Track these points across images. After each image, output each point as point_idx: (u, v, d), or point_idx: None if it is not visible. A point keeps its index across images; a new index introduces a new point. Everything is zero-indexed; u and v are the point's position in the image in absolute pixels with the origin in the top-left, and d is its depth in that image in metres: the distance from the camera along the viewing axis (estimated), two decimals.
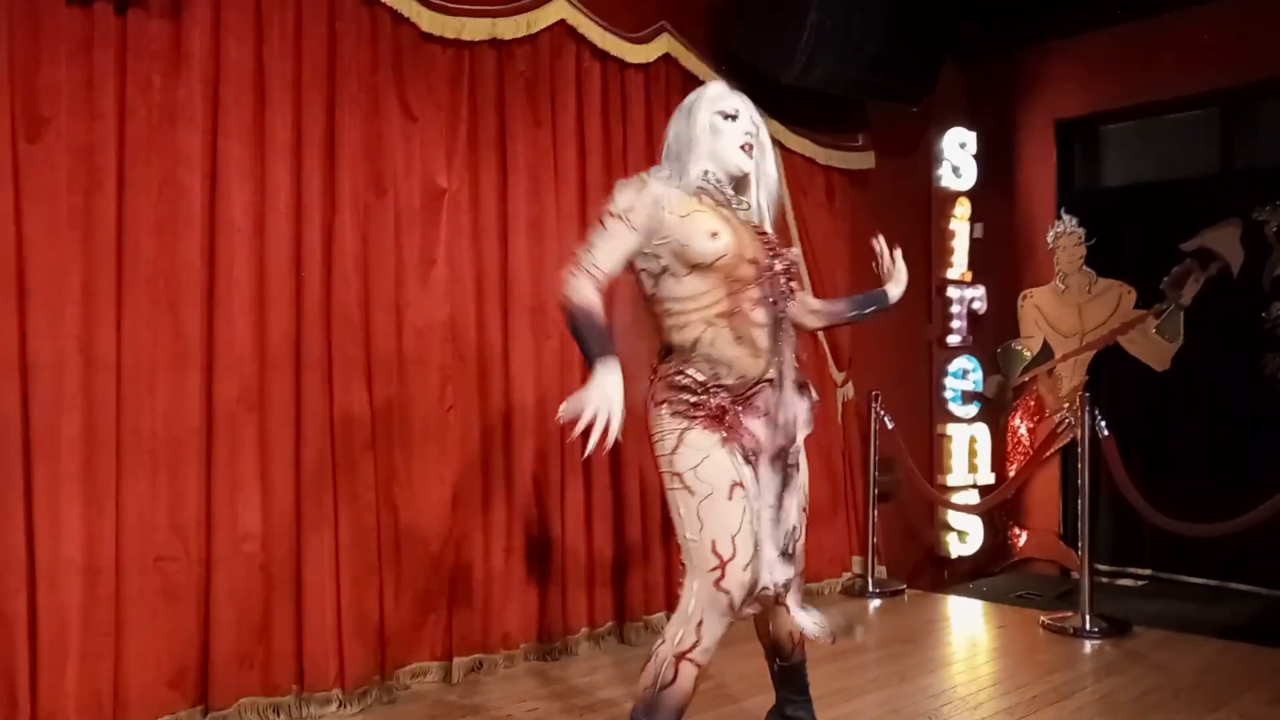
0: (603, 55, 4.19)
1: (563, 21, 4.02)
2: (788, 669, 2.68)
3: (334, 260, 3.40)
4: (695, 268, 2.32)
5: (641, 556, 4.21)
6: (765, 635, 2.66)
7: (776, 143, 4.89)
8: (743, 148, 2.46)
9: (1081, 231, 5.73)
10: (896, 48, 4.76)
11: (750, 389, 2.34)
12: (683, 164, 2.43)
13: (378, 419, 3.48)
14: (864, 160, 5.37)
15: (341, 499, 3.37)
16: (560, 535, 3.96)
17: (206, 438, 3.13)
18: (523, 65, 3.94)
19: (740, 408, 2.34)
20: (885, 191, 5.50)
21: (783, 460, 2.38)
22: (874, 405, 5.21)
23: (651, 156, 4.32)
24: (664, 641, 2.29)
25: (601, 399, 2.13)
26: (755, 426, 2.34)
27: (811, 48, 4.48)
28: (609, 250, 2.34)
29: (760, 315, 2.35)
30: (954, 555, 5.77)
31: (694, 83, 4.44)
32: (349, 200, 3.44)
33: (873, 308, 2.77)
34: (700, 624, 2.25)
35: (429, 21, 3.65)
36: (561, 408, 2.16)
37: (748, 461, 2.32)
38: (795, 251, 2.72)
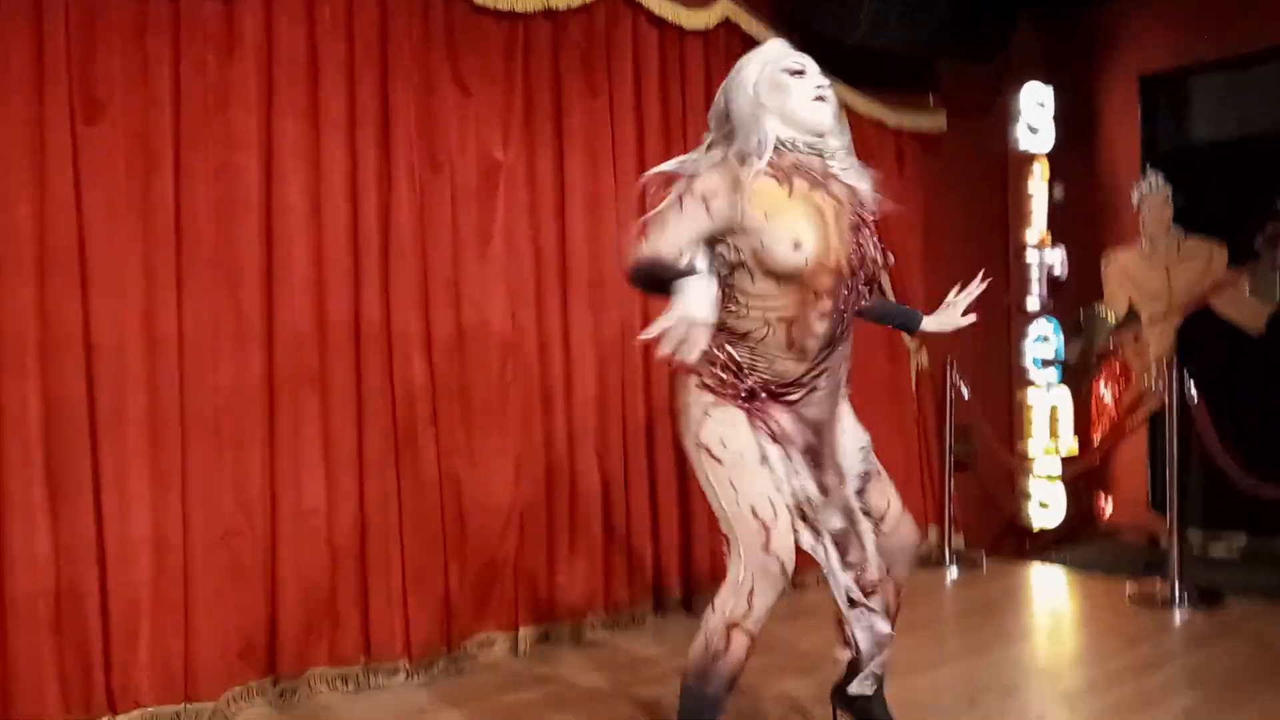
0: (660, 22, 4.11)
1: None
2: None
3: (391, 238, 3.42)
4: (770, 272, 2.19)
5: (707, 526, 4.16)
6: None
7: (844, 106, 4.77)
8: (816, 100, 2.25)
9: (1169, 190, 5.45)
10: (965, 4, 4.58)
11: (784, 385, 2.26)
12: (747, 135, 2.23)
13: (439, 394, 3.50)
14: (935, 121, 5.20)
15: (404, 473, 3.41)
16: (624, 506, 3.94)
17: (269, 415, 3.18)
18: (578, 35, 3.89)
19: (768, 396, 2.26)
20: (958, 155, 5.32)
21: (817, 456, 2.28)
22: (950, 373, 5.06)
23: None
24: (714, 611, 2.24)
25: (683, 310, 2.02)
26: (781, 417, 2.26)
27: (878, 6, 4.34)
28: (679, 234, 2.23)
29: (821, 327, 2.21)
30: (1036, 526, 5.59)
31: (755, 47, 4.38)
32: (405, 177, 3.45)
33: (894, 323, 2.68)
34: (751, 592, 2.19)
35: None
36: (645, 331, 2.10)
37: (775, 443, 2.25)
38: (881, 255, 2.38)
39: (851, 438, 2.39)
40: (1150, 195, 5.50)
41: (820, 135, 2.27)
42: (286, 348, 3.21)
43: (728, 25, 4.33)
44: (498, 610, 3.63)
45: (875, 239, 2.28)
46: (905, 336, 5.05)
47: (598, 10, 3.93)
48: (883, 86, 4.92)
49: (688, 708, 2.26)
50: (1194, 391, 4.30)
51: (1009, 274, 5.62)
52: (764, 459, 2.23)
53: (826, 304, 2.21)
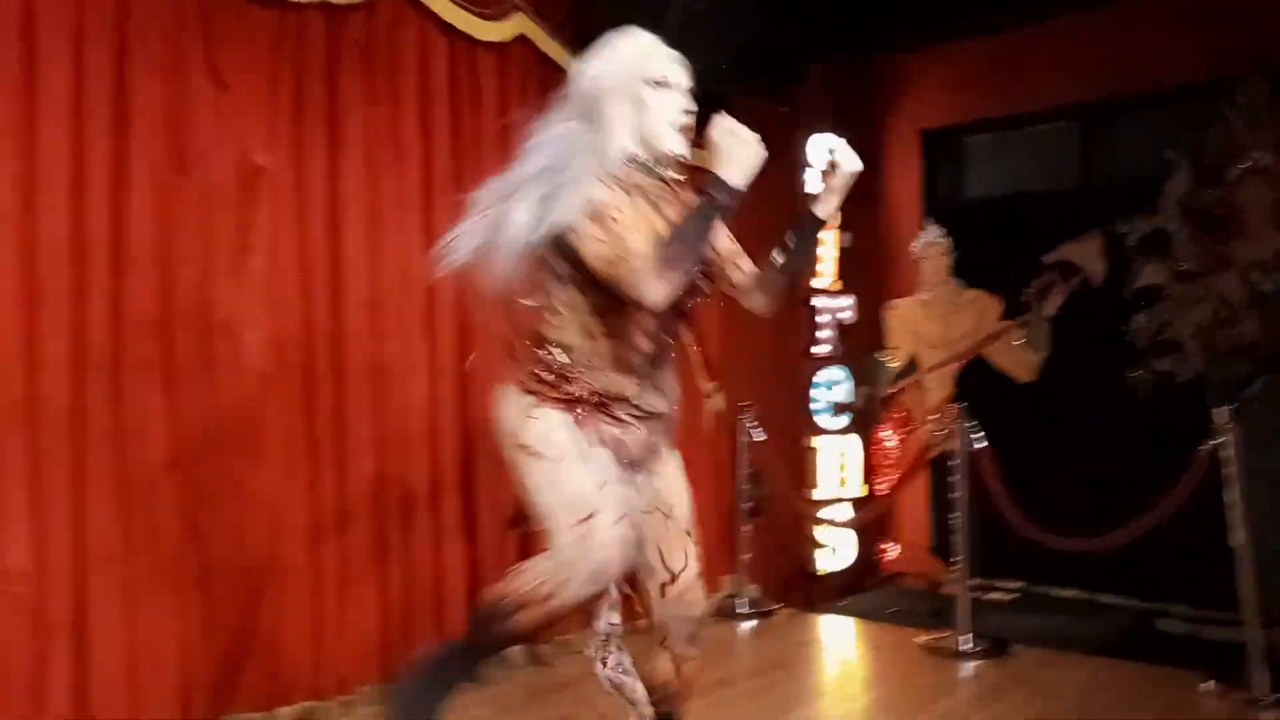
0: (449, 29, 3.77)
1: None
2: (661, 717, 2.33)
3: (126, 246, 2.90)
4: (599, 287, 2.03)
5: (499, 578, 3.78)
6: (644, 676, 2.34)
7: None
8: (677, 127, 2.11)
9: (947, 242, 5.63)
10: (762, 45, 4.54)
11: (612, 398, 2.10)
12: (605, 138, 2.07)
13: (181, 433, 2.97)
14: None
15: (135, 527, 2.85)
16: (404, 559, 3.51)
17: None
18: (357, 34, 3.50)
19: (594, 407, 2.09)
20: (751, 195, 5.23)
21: (639, 474, 2.17)
22: (742, 418, 4.95)
23: (506, 144, 3.93)
24: (522, 576, 2.05)
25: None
26: (606, 428, 2.09)
27: (676, 36, 4.18)
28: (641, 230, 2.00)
29: (645, 344, 2.11)
30: (824, 571, 5.55)
31: (552, 67, 4.13)
32: (146, 177, 2.95)
33: (808, 232, 2.25)
34: (562, 583, 2.00)
35: None
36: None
37: (602, 445, 2.09)
38: (724, 246, 2.30)
39: (677, 478, 2.25)
40: (929, 246, 5.66)
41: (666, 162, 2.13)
42: None
43: (523, 41, 4.05)
44: (250, 686, 3.10)
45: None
46: (702, 380, 4.90)
47: (381, 9, 3.56)
48: None
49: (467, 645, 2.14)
50: (978, 440, 4.35)
51: (799, 319, 5.62)
52: (583, 453, 2.05)
53: (651, 323, 2.11)
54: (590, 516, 2.02)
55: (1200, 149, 4.84)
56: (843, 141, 2.16)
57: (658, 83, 2.09)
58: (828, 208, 2.20)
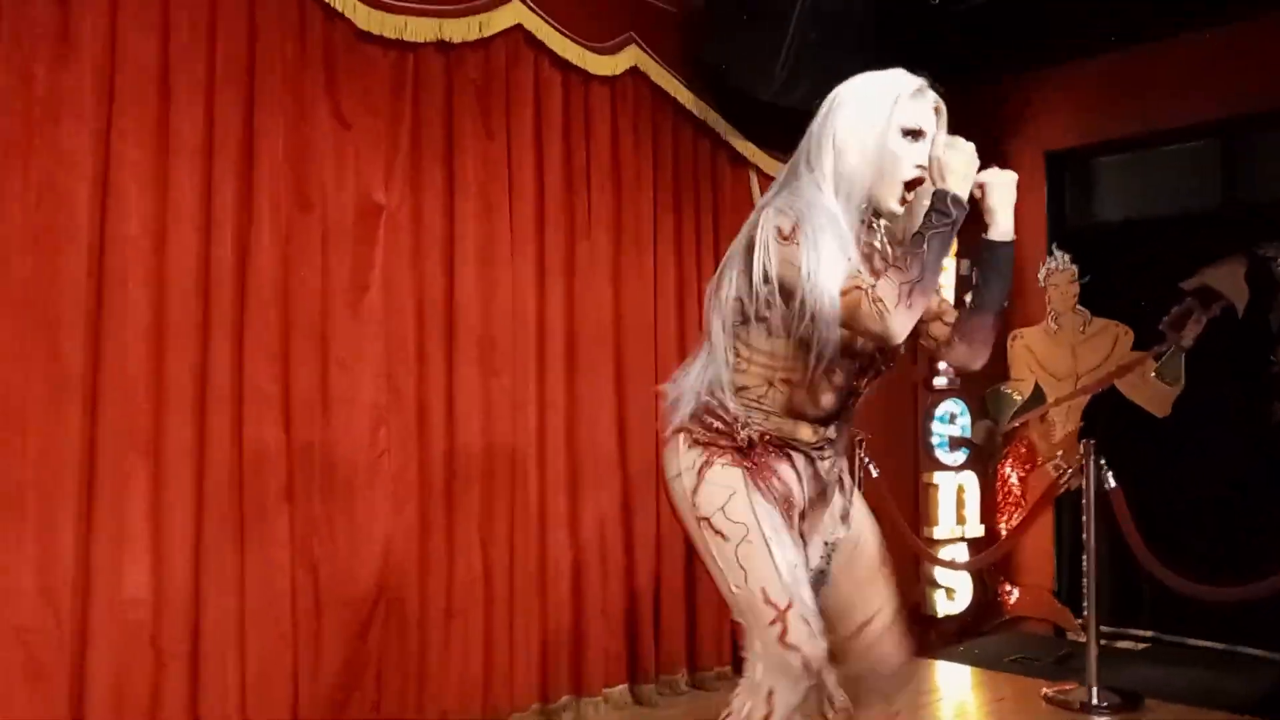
0: (564, 65, 3.80)
1: (519, 26, 3.64)
2: None
3: (249, 281, 2.98)
4: (793, 335, 1.91)
5: (601, 618, 3.75)
6: None
7: (754, 167, 4.55)
8: (908, 185, 1.93)
9: (1074, 269, 5.39)
10: (882, 64, 4.42)
11: (787, 443, 1.98)
12: (851, 193, 1.92)
13: (296, 465, 3.03)
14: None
15: (249, 557, 2.92)
16: (508, 596, 3.50)
17: (86, 485, 2.67)
18: (474, 72, 3.55)
19: (767, 448, 1.96)
20: None
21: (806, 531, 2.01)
22: (859, 452, 4.81)
23: (618, 176, 3.95)
24: (730, 714, 1.90)
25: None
26: (784, 472, 1.97)
27: (792, 63, 4.13)
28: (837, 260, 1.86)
29: (828, 400, 1.97)
30: (941, 614, 5.34)
31: (663, 98, 4.12)
32: (268, 214, 3.02)
33: (993, 262, 1.97)
34: (770, 693, 1.86)
35: (366, 18, 3.26)
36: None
37: (778, 504, 1.95)
38: (937, 302, 2.13)
39: (860, 508, 2.14)
40: (1056, 273, 5.44)
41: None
42: (113, 405, 2.71)
43: (635, 74, 4.04)
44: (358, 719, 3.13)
45: None
46: None
47: (497, 47, 3.60)
48: (794, 147, 4.71)
49: None
50: (1111, 479, 4.12)
51: (916, 351, 5.45)
52: (772, 528, 1.91)
53: (839, 378, 1.97)
54: (780, 609, 1.86)
55: None
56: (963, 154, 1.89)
57: (911, 132, 1.93)
58: (1003, 229, 1.95)
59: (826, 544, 2.06)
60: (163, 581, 2.76)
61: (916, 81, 1.96)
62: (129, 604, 2.70)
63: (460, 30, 3.46)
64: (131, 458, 2.73)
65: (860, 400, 2.05)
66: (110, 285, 2.73)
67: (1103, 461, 4.13)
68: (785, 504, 1.96)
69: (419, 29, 3.36)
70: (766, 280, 1.88)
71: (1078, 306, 5.37)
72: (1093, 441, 4.26)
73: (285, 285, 3.05)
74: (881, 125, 1.92)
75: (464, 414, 3.42)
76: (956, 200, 1.84)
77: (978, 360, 2.11)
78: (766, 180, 4.58)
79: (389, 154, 3.33)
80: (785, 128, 4.44)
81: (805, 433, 1.98)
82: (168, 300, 2.83)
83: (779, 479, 1.95)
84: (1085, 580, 4.19)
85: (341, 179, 3.22)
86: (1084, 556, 4.20)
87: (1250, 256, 4.84)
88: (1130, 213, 5.49)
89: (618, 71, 3.96)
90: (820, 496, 2.02)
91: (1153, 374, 5.13)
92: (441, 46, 3.44)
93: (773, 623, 1.86)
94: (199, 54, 2.91)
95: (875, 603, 2.06)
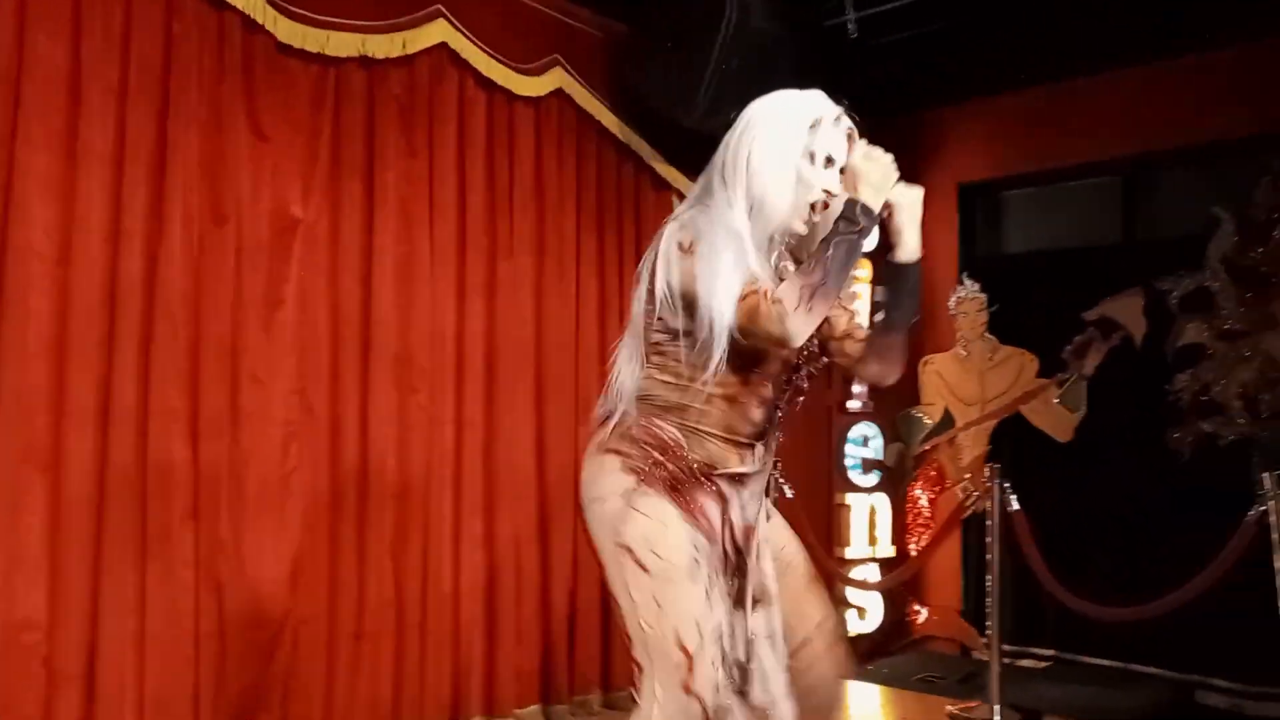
0: (488, 84, 3.80)
1: (444, 45, 3.64)
2: None
3: (158, 294, 2.91)
4: (698, 346, 1.90)
5: (514, 638, 3.73)
6: None
7: (677, 191, 4.60)
8: (813, 206, 1.95)
9: (983, 298, 5.55)
10: None
11: (713, 471, 1.95)
12: (761, 214, 1.93)
13: (202, 482, 2.97)
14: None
15: (151, 577, 2.84)
16: (420, 617, 3.47)
17: None
18: (397, 88, 3.53)
19: (695, 481, 1.93)
20: None
21: (740, 562, 1.97)
22: (773, 473, 4.87)
23: (541, 196, 3.96)
24: None
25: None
26: (709, 508, 1.93)
27: (714, 91, 4.19)
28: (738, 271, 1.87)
29: (759, 413, 1.98)
30: (852, 633, 5.43)
31: (587, 121, 4.15)
32: (180, 226, 2.97)
33: (900, 281, 1.99)
34: None
35: (287, 31, 3.22)
36: None
37: (706, 541, 1.91)
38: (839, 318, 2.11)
39: (781, 525, 2.12)
40: (965, 301, 5.59)
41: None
42: (9, 419, 2.63)
43: (560, 95, 4.07)
44: None
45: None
46: None
47: (421, 64, 3.59)
48: None
49: None
50: (1014, 501, 4.25)
51: (830, 374, 5.56)
52: (696, 566, 1.87)
53: (767, 390, 1.99)
54: (691, 654, 1.81)
55: (1246, 205, 4.76)
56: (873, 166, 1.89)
57: (824, 159, 1.95)
58: (910, 248, 1.96)
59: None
60: (59, 602, 2.68)
61: (835, 109, 1.98)
62: (21, 625, 2.61)
63: (384, 46, 3.44)
64: (27, 473, 2.65)
65: (782, 417, 2.06)
66: (10, 296, 2.65)
67: (1007, 485, 4.25)
68: (710, 540, 1.93)
69: (341, 44, 3.34)
70: (669, 292, 1.89)
71: (986, 334, 5.53)
72: (997, 465, 4.39)
73: (196, 299, 3.00)
74: (796, 151, 1.93)
75: (378, 431, 3.38)
76: (866, 210, 1.83)
77: (890, 377, 2.13)
78: None
79: (307, 168, 3.29)
80: (709, 151, 4.55)
81: (734, 460, 1.96)
82: (71, 313, 2.75)
83: (703, 515, 1.92)
84: (989, 600, 4.30)
85: (257, 192, 3.17)
86: (988, 577, 4.32)
87: (1148, 289, 5.05)
88: (1036, 244, 5.69)
89: (542, 93, 3.98)
90: (747, 534, 1.98)
91: (1056, 400, 5.31)
92: (364, 62, 3.43)
93: (678, 666, 1.81)
94: (111, 61, 2.85)
95: (812, 619, 2.05)
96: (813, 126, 1.95)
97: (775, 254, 2.00)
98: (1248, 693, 4.38)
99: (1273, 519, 3.65)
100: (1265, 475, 3.77)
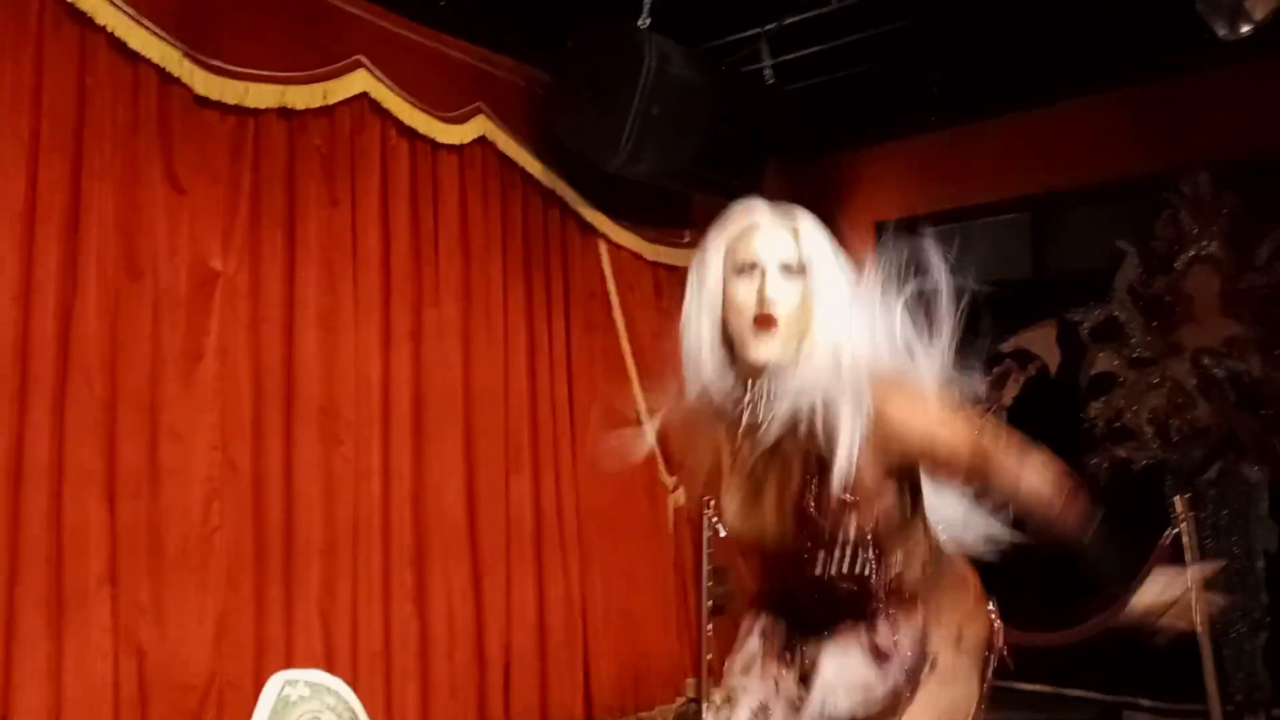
0: (411, 133, 3.81)
1: (365, 95, 3.64)
2: None
3: (72, 351, 2.85)
4: None
5: (448, 690, 3.67)
6: None
7: (603, 237, 4.64)
8: (755, 321, 1.59)
9: None
10: (721, 141, 4.62)
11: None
12: (696, 365, 1.65)
13: (120, 543, 2.89)
14: (690, 257, 5.15)
15: (68, 644, 2.75)
16: (351, 674, 3.38)
17: None
18: (318, 139, 3.53)
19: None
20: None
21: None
22: (706, 512, 4.89)
23: (466, 244, 3.97)
24: None
25: None
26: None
27: (636, 136, 4.26)
28: None
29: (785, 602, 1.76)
30: None
31: (512, 167, 4.18)
32: (95, 282, 2.91)
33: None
34: None
35: (204, 83, 3.20)
36: None
37: None
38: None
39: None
40: None
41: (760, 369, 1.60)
42: None
43: (484, 142, 4.09)
44: None
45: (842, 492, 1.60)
46: (663, 474, 4.86)
47: (342, 114, 3.59)
48: (642, 219, 4.85)
49: None
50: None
51: None
52: None
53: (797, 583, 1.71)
54: None
55: (1149, 239, 4.96)
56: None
57: (745, 267, 1.63)
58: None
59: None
60: None
61: (743, 220, 1.70)
62: None
63: (304, 97, 3.44)
64: None
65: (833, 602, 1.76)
66: None
67: None
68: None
69: (260, 95, 3.33)
70: None
71: None
72: None
73: (112, 354, 2.94)
74: (712, 281, 1.69)
75: (303, 485, 3.33)
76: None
77: None
78: (615, 248, 4.69)
79: (227, 220, 3.26)
80: (634, 198, 4.62)
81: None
82: None
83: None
84: None
85: (175, 245, 3.13)
86: None
87: (1060, 321, 5.22)
88: (953, 279, 5.85)
89: (466, 140, 4.00)
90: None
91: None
92: (284, 113, 3.41)
93: None
94: (22, 113, 2.81)
95: None
96: (722, 249, 1.69)
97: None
98: (1172, 710, 4.49)
99: (1185, 540, 3.78)
100: (1176, 498, 3.90)
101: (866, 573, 1.65)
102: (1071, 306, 5.17)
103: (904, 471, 1.67)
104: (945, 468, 1.70)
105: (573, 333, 4.42)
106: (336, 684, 2.38)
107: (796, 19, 4.49)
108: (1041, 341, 5.30)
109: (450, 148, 3.95)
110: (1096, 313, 5.08)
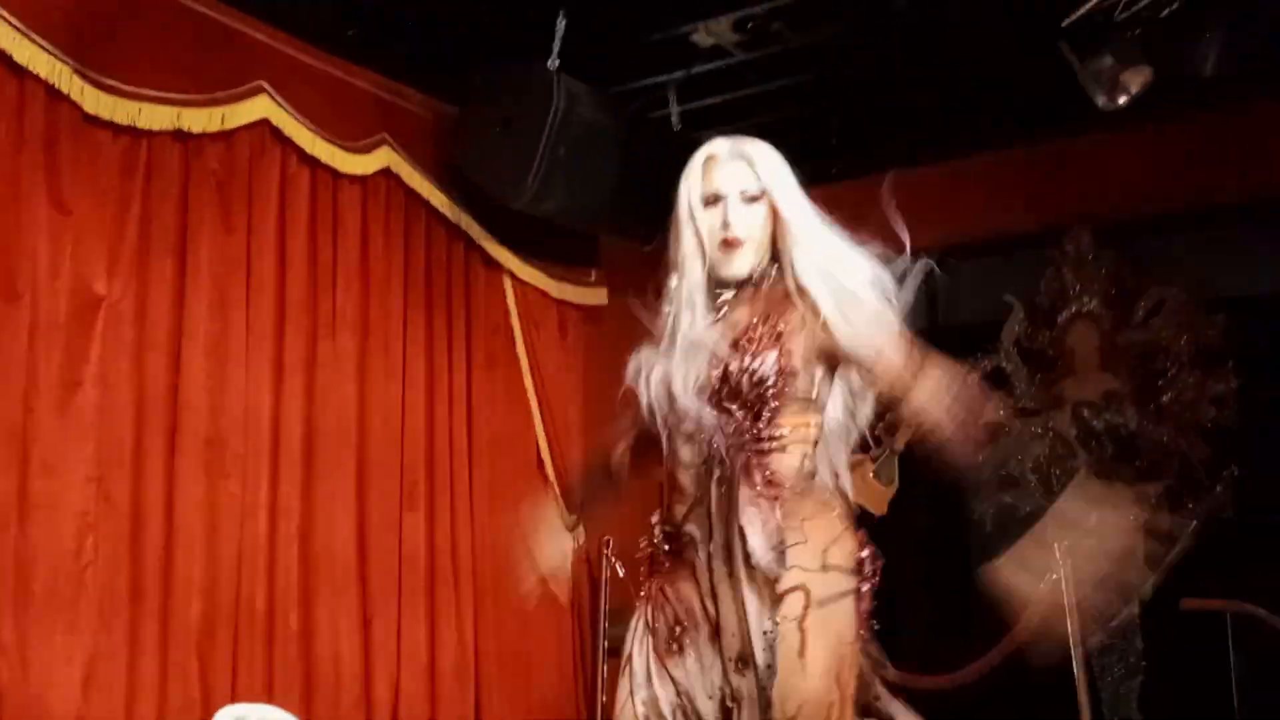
0: (313, 161, 3.75)
1: (266, 121, 3.57)
2: None
3: None
4: None
5: None
6: None
7: (508, 273, 4.62)
8: (722, 244, 1.90)
9: None
10: (628, 185, 4.65)
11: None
12: (678, 293, 1.97)
13: None
14: (597, 296, 5.18)
15: None
16: None
17: None
18: (214, 163, 3.45)
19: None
20: (618, 329, 5.31)
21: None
22: (605, 551, 4.87)
23: (366, 275, 3.91)
24: None
25: None
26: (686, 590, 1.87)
27: (543, 176, 4.26)
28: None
29: (687, 479, 1.89)
30: None
31: (416, 200, 4.14)
32: None
33: None
34: None
35: (95, 102, 3.10)
36: None
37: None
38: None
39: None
40: None
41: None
42: None
43: (388, 174, 4.05)
44: None
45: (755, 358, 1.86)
46: (561, 511, 4.81)
47: (241, 139, 3.51)
48: (548, 256, 4.84)
49: None
50: None
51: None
52: None
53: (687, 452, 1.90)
54: None
55: (1034, 294, 5.17)
56: None
57: (707, 201, 1.92)
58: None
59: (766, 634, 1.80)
60: None
61: (703, 151, 1.97)
62: None
63: (201, 121, 3.36)
64: None
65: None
66: None
67: None
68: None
69: (154, 116, 3.23)
70: None
71: None
72: None
73: None
74: (686, 212, 1.96)
75: (185, 520, 3.21)
76: None
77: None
78: (521, 284, 4.67)
79: (114, 243, 3.15)
80: (541, 235, 4.61)
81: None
82: None
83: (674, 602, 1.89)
84: None
85: (56, 267, 3.00)
86: None
87: None
88: None
89: (370, 171, 3.96)
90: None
91: (871, 475, 5.55)
92: (180, 135, 3.32)
93: None
94: None
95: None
96: (687, 180, 1.98)
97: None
98: None
99: (1064, 586, 3.91)
100: (1056, 545, 4.04)
101: (763, 420, 1.83)
102: (962, 357, 5.30)
103: (830, 361, 1.91)
104: (877, 376, 1.96)
105: (474, 368, 4.38)
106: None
107: (704, 69, 4.59)
108: None
109: (353, 178, 3.90)
110: (985, 363, 5.26)
